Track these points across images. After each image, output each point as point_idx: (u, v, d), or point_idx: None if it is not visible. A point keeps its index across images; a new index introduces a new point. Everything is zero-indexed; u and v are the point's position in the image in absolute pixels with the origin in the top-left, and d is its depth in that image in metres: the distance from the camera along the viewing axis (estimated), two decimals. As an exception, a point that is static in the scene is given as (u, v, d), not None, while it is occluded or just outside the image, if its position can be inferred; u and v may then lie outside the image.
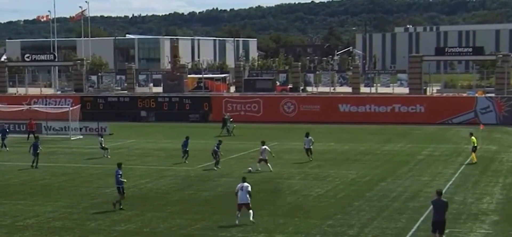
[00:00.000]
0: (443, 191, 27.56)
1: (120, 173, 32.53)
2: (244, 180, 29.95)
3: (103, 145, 50.46)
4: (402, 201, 33.57)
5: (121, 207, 32.00)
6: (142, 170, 44.20)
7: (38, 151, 45.28)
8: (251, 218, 28.93)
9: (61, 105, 75.55)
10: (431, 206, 25.84)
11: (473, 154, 45.31)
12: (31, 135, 60.21)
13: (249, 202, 29.24)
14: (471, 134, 46.86)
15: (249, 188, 29.44)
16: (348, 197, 34.85)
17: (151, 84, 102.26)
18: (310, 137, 46.83)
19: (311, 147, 46.76)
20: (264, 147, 42.69)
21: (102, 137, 52.09)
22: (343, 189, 36.93)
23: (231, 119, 66.36)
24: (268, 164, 42.23)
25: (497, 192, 35.78)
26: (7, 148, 54.82)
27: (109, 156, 49.39)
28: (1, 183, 40.41)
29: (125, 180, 32.95)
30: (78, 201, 34.61)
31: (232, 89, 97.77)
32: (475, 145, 45.78)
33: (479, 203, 33.03)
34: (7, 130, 57.40)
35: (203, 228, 28.56)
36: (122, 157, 50.30)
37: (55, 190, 37.49)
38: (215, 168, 43.20)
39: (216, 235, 27.35)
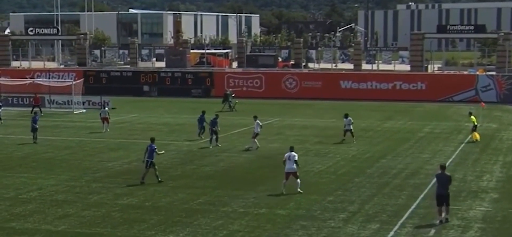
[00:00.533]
0: (433, 182, 27.52)
1: (155, 147, 32.48)
2: (291, 150, 30.40)
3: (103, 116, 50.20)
4: (402, 178, 33.58)
5: (159, 179, 32.18)
6: (144, 144, 43.97)
7: (36, 126, 45.01)
8: (298, 189, 29.55)
9: (64, 79, 75.37)
10: (435, 180, 26.41)
11: (475, 133, 45.05)
12: (37, 109, 60.03)
13: (297, 171, 29.82)
14: (471, 114, 46.71)
15: (296, 157, 30.04)
16: (348, 173, 34.86)
17: (154, 59, 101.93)
18: (349, 118, 44.81)
19: (352, 128, 44.62)
20: (257, 121, 42.46)
21: (106, 108, 52.02)
22: (344, 166, 36.93)
23: (233, 95, 66.31)
24: (256, 139, 41.99)
25: (497, 170, 35.78)
26: (1, 121, 54.65)
27: (108, 130, 49.25)
28: (4, 156, 40.45)
29: (163, 152, 33.37)
30: (81, 174, 34.64)
31: (235, 64, 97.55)
32: (475, 123, 45.64)
33: (479, 180, 33.04)
34: (0, 104, 57.16)
35: (205, 203, 28.58)
36: (125, 131, 50.39)
37: (58, 164, 37.52)
38: (218, 145, 42.96)
39: (218, 210, 27.37)
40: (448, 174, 26.48)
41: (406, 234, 24.05)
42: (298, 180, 29.88)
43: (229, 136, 46.52)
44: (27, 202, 28.82)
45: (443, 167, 26.31)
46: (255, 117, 42.77)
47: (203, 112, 46.31)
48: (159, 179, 32.15)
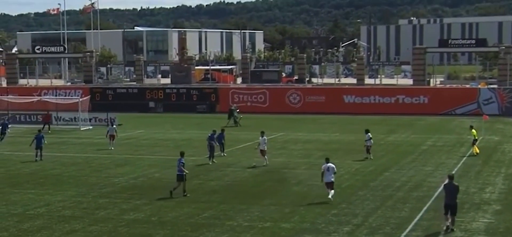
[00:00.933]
0: (441, 188, 27.58)
1: (183, 162, 32.69)
2: (327, 161, 31.31)
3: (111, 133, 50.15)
4: (405, 190, 33.54)
5: (185, 193, 32.34)
6: (150, 160, 44.22)
7: (41, 145, 44.97)
8: (329, 196, 30.52)
9: (71, 96, 75.63)
10: (443, 190, 26.84)
11: (475, 147, 44.98)
12: (46, 126, 60.20)
13: (333, 181, 30.96)
14: (472, 127, 46.48)
15: (335, 169, 31.35)
16: (352, 186, 34.83)
17: (159, 76, 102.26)
18: (369, 134, 43.65)
19: (369, 144, 43.42)
20: (264, 137, 42.11)
21: (113, 125, 52.00)
22: (348, 179, 36.90)
23: (238, 110, 66.41)
24: (266, 156, 41.80)
25: (499, 182, 35.73)
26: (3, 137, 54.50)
27: (112, 148, 49.19)
28: (12, 172, 40.51)
29: (187, 172, 32.99)
30: (88, 190, 34.67)
31: (239, 80, 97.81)
32: (476, 137, 45.48)
33: (481, 193, 32.99)
34: (8, 124, 57.04)
35: (210, 217, 28.58)
36: (131, 147, 50.42)
37: (65, 180, 37.56)
38: (224, 154, 43.32)
39: (223, 224, 27.36)
40: (456, 184, 26.83)
41: (410, 246, 24.01)
42: (333, 191, 30.80)
43: (234, 151, 46.54)
44: (34, 218, 28.84)
45: (451, 177, 26.70)
46: (262, 133, 42.28)
47: (221, 130, 45.61)
48: (185, 193, 32.30)
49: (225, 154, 43.72)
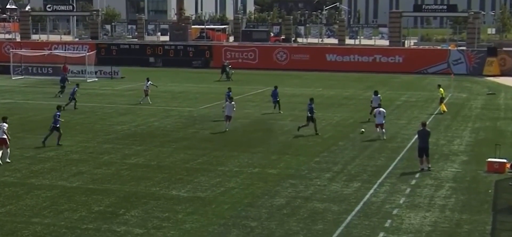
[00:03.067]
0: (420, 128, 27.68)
1: (59, 114, 32.43)
2: (379, 106, 35.22)
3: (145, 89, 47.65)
4: (381, 141, 33.45)
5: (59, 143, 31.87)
6: (150, 109, 43.98)
7: (75, 97, 44.06)
8: (383, 137, 33.42)
9: (79, 51, 74.92)
10: (417, 134, 28.10)
11: (442, 105, 43.88)
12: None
13: (384, 122, 33.75)
14: (439, 86, 45.26)
15: (385, 113, 34.30)
16: (333, 137, 34.75)
17: (159, 33, 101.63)
18: (379, 95, 39.27)
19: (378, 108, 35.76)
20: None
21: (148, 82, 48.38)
22: (329, 130, 36.81)
23: (230, 66, 66.04)
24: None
25: (466, 135, 35.72)
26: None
27: (148, 102, 46.67)
28: (25, 119, 40.23)
29: (62, 120, 32.93)
30: (93, 136, 34.48)
31: (231, 39, 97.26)
32: (443, 96, 44.55)
33: (450, 145, 32.97)
34: (66, 78, 53.35)
35: (204, 163, 28.47)
36: (132, 98, 50.13)
37: (72, 127, 37.29)
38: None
39: (216, 169, 27.26)
40: (428, 130, 27.89)
41: (385, 192, 23.99)
42: (384, 130, 33.64)
43: (226, 103, 46.26)
44: (45, 161, 28.67)
45: (424, 124, 27.84)
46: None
47: (275, 87, 43.53)
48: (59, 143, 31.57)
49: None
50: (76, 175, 26.28)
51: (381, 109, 34.18)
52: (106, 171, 26.89)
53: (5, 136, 27.89)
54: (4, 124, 28.26)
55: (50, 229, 19.75)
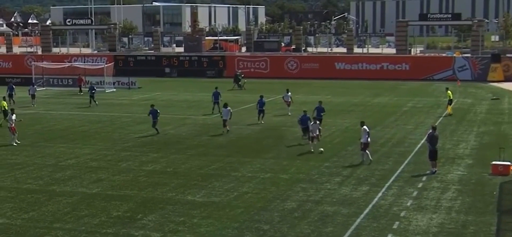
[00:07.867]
0: (424, 139, 27.57)
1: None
2: (363, 124, 29.75)
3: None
4: (389, 146, 33.40)
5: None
6: (166, 118, 44.03)
7: (93, 91, 49.45)
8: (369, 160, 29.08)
9: (97, 62, 75.29)
10: (427, 137, 28.32)
11: (449, 107, 44.75)
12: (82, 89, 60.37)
13: (368, 142, 29.33)
14: (447, 89, 46.21)
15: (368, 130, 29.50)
16: (342, 142, 34.71)
17: (174, 45, 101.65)
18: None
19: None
20: (289, 94, 43.72)
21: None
22: (339, 136, 36.77)
23: (243, 75, 66.13)
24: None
25: (471, 139, 35.56)
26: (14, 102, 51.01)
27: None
28: (46, 129, 40.43)
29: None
30: (112, 144, 34.60)
31: (243, 49, 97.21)
32: (451, 98, 45.20)
33: (456, 148, 32.84)
34: (94, 87, 53.52)
35: (218, 168, 28.50)
36: (149, 107, 50.10)
37: (92, 135, 37.48)
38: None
39: (229, 174, 27.28)
40: (437, 134, 28.06)
41: (392, 195, 23.93)
42: (368, 151, 29.27)
43: (239, 111, 46.31)
44: (66, 168, 28.81)
45: (434, 128, 27.96)
46: (287, 90, 45.43)
47: (261, 97, 42.07)
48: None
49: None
50: (95, 182, 26.38)
51: (364, 126, 29.75)
52: (124, 178, 26.97)
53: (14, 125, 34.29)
54: (13, 116, 34.63)
55: (71, 234, 19.85)
